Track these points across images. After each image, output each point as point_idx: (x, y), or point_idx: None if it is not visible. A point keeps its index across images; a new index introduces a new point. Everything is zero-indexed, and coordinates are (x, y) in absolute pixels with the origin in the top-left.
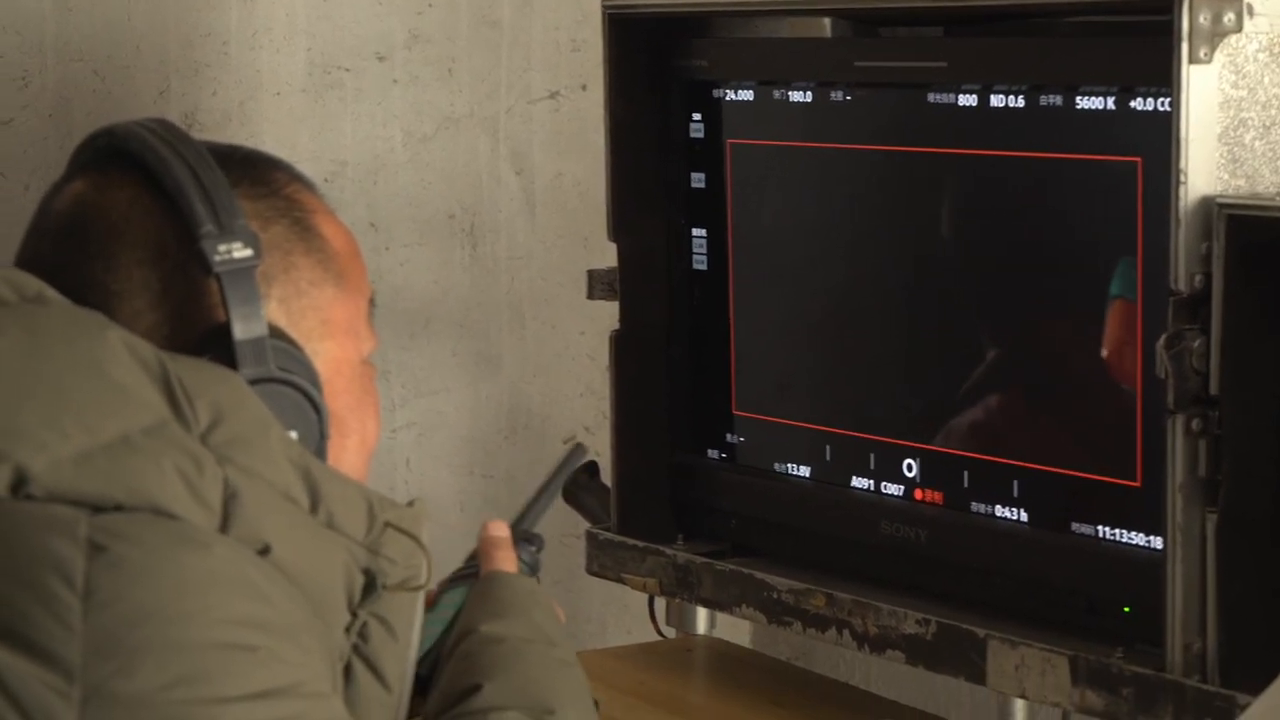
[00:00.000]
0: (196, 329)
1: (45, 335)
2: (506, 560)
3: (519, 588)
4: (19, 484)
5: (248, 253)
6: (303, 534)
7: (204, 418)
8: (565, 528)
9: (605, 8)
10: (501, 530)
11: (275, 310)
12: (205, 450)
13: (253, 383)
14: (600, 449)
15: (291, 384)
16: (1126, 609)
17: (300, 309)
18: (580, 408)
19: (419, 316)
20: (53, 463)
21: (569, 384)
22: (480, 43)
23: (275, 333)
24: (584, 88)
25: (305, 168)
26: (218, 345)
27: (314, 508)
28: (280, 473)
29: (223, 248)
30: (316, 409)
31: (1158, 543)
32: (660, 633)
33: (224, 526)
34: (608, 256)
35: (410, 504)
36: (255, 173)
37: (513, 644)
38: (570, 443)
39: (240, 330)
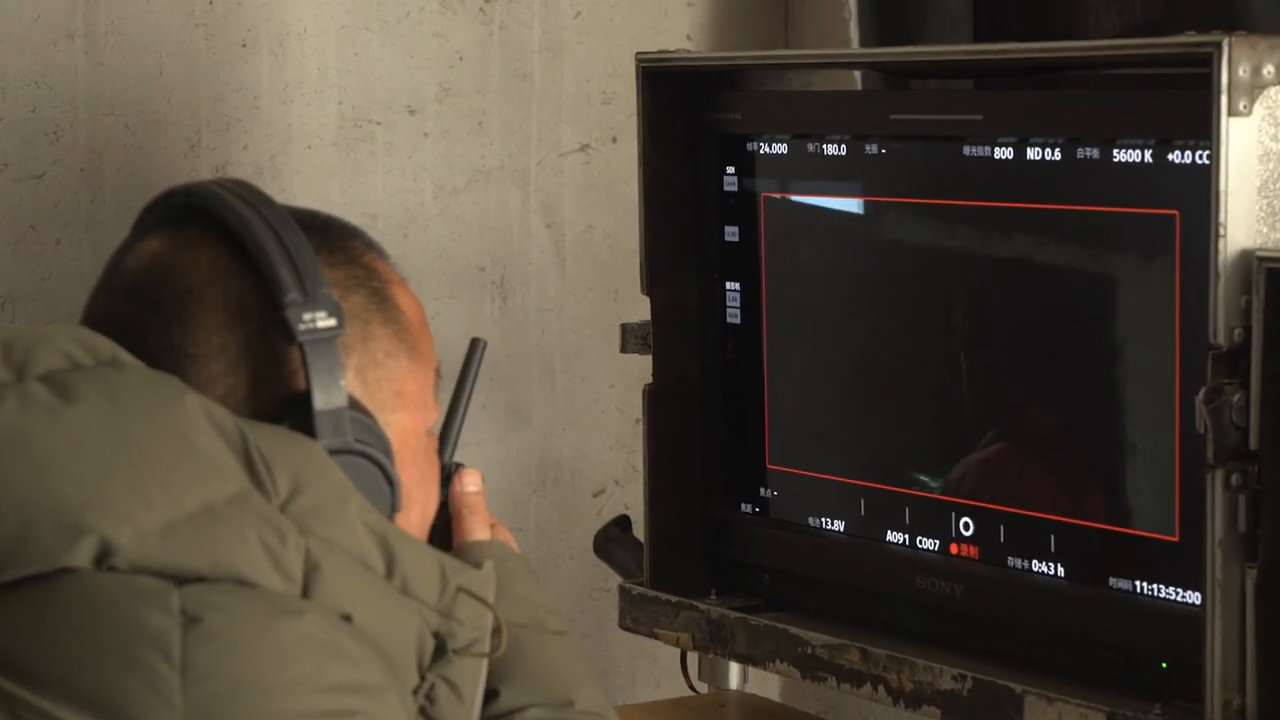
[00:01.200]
0: (274, 395)
1: (126, 402)
2: (480, 526)
3: (499, 559)
4: (103, 556)
5: (331, 323)
6: (379, 600)
7: (283, 486)
8: (595, 581)
9: (639, 61)
10: (475, 484)
11: (352, 380)
12: (287, 520)
13: (330, 453)
14: (632, 503)
15: (368, 456)
16: (1164, 665)
17: (376, 380)
18: (610, 461)
19: (449, 369)
20: (138, 535)
21: (599, 437)
22: (511, 96)
23: (352, 404)
24: (614, 140)
25: None
26: (296, 414)
27: (390, 573)
28: (358, 540)
29: (307, 316)
30: (390, 482)
31: (1196, 598)
32: (692, 688)
33: (305, 597)
34: (638, 309)
35: (480, 566)
36: (335, 239)
37: (512, 634)
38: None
39: (320, 401)
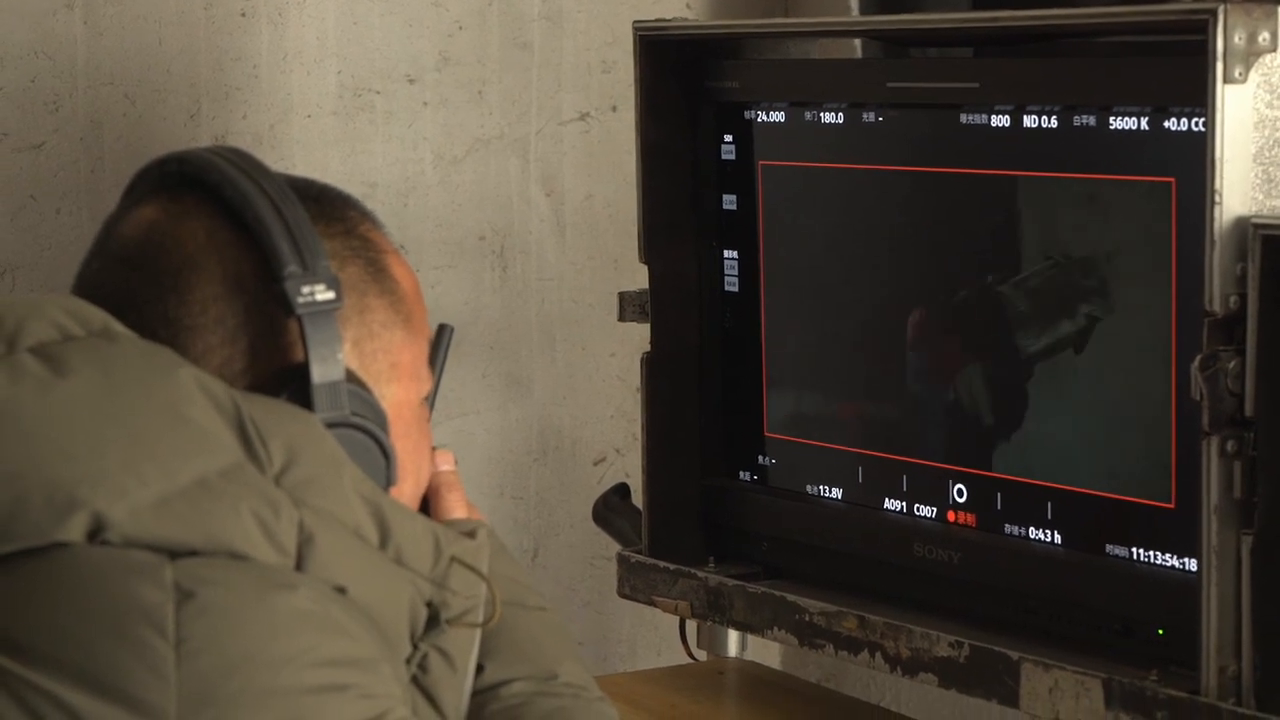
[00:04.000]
0: (270, 367)
1: (119, 374)
2: (459, 503)
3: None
4: (97, 530)
5: (330, 295)
6: (373, 571)
7: (278, 458)
8: (596, 550)
9: (637, 29)
10: (448, 463)
11: (349, 352)
12: (280, 492)
13: (328, 426)
14: (630, 471)
15: (365, 429)
16: (1161, 631)
17: (371, 351)
18: (610, 429)
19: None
20: (132, 509)
21: (599, 406)
22: (511, 65)
23: (349, 376)
24: (614, 109)
25: None
26: (294, 386)
27: (383, 544)
28: (352, 511)
29: (306, 289)
30: (385, 455)
31: (1192, 565)
32: (691, 655)
33: (298, 569)
34: (638, 278)
35: (471, 534)
36: (331, 209)
37: None
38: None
39: (318, 373)
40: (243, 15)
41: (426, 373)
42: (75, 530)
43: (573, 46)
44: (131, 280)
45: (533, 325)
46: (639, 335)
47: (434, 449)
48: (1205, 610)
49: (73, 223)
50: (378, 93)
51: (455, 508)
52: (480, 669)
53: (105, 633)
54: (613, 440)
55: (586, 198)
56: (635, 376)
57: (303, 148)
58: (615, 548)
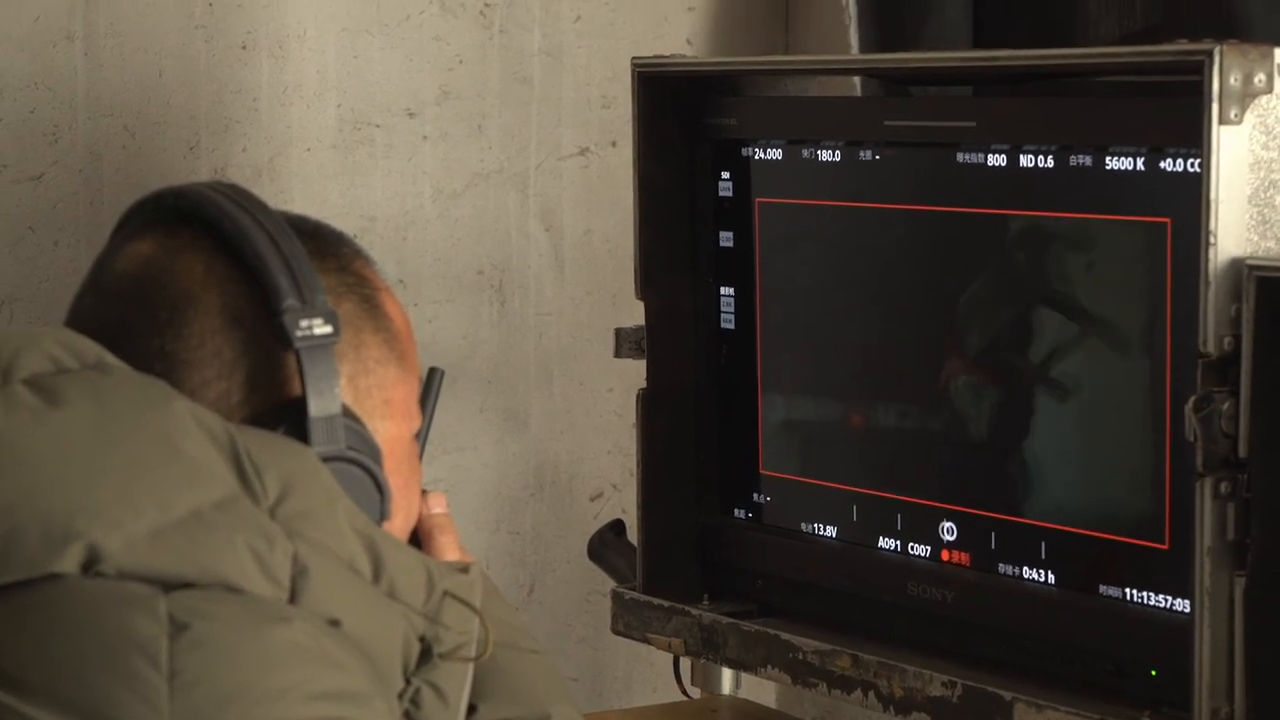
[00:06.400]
0: (267, 400)
1: (112, 406)
2: (451, 546)
3: None
4: (91, 562)
5: (328, 329)
6: (366, 605)
7: (272, 490)
8: (591, 585)
9: (635, 66)
10: (441, 506)
11: (344, 387)
12: (275, 525)
13: (323, 460)
14: (626, 507)
15: (360, 464)
16: (1154, 672)
17: (366, 387)
18: (607, 465)
19: (446, 373)
20: (127, 541)
21: (596, 441)
22: (510, 99)
23: (345, 411)
24: (614, 144)
25: (335, 223)
26: (291, 420)
27: (376, 577)
28: (346, 544)
29: (304, 323)
30: (380, 490)
31: (1185, 606)
32: (685, 693)
33: (292, 602)
34: (636, 314)
35: (465, 569)
36: (325, 246)
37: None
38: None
39: (315, 407)
40: (243, 48)
41: (417, 410)
42: (70, 562)
43: (572, 82)
44: (127, 314)
45: (530, 360)
46: (636, 371)
47: (425, 491)
48: (1198, 651)
49: (71, 255)
50: (377, 126)
51: (448, 550)
52: (473, 709)
53: (99, 665)
54: (609, 476)
55: (585, 233)
56: (632, 412)
57: (302, 181)
58: (611, 584)
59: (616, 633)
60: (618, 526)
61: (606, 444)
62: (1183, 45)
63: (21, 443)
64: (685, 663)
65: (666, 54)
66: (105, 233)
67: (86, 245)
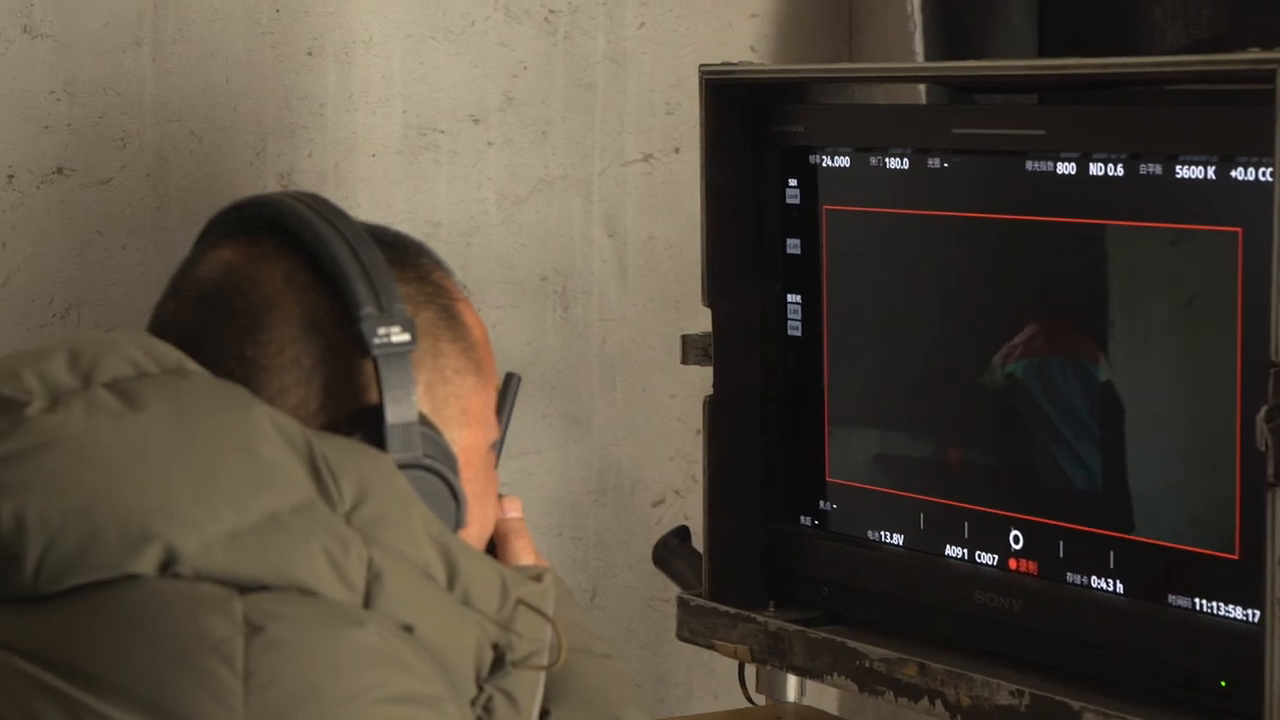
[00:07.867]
0: (345, 408)
1: (192, 410)
2: (526, 550)
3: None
4: (168, 563)
5: (405, 337)
6: (440, 611)
7: (349, 496)
8: (654, 591)
9: (703, 72)
10: (516, 510)
11: (421, 396)
12: (351, 530)
13: (400, 467)
14: (689, 513)
15: (436, 471)
16: (1224, 683)
17: (444, 396)
18: (670, 471)
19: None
20: (204, 543)
21: (659, 447)
22: (574, 105)
23: (421, 419)
24: (677, 150)
25: (400, 229)
26: (367, 427)
27: (451, 584)
28: (421, 550)
29: (382, 330)
30: (456, 498)
31: (1256, 616)
32: (750, 700)
33: (366, 606)
34: (699, 319)
35: (538, 578)
36: (405, 255)
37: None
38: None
39: (392, 415)
40: (309, 54)
41: (494, 420)
42: (148, 563)
43: (636, 88)
44: (208, 320)
45: (593, 366)
46: (699, 377)
47: (501, 496)
48: (1269, 662)
49: (139, 259)
50: (442, 132)
51: (523, 554)
52: (545, 714)
53: (174, 665)
54: (672, 482)
55: (649, 239)
56: (695, 418)
57: (367, 187)
58: (673, 590)
59: (682, 639)
60: (683, 533)
61: (669, 450)
62: (1255, 54)
63: (102, 445)
64: (750, 670)
65: (734, 61)
66: (172, 237)
67: (153, 249)
